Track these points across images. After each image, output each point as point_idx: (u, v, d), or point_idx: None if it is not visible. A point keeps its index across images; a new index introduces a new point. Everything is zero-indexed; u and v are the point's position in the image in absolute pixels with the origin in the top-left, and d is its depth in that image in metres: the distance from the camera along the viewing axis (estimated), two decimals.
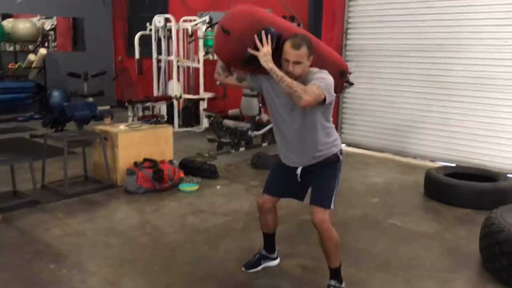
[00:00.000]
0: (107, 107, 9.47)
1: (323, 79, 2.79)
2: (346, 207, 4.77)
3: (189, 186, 5.36)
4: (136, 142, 5.47)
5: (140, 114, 8.20)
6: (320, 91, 2.72)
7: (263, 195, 3.31)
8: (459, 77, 6.35)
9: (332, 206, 3.03)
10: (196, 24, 8.67)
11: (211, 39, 9.03)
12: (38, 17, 12.04)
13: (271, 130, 7.04)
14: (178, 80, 8.84)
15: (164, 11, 9.62)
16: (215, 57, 9.13)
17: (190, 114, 8.94)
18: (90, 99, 8.39)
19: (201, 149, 7.07)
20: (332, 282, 3.14)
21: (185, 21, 8.90)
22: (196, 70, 8.99)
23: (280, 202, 3.35)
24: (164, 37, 8.73)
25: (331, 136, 3.04)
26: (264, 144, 7.47)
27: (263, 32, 2.76)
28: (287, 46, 2.78)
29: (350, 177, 5.89)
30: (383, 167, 6.49)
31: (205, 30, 8.73)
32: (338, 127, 7.51)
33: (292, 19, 7.58)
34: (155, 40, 8.89)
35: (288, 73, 2.75)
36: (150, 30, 8.95)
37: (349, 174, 5.95)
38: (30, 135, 7.96)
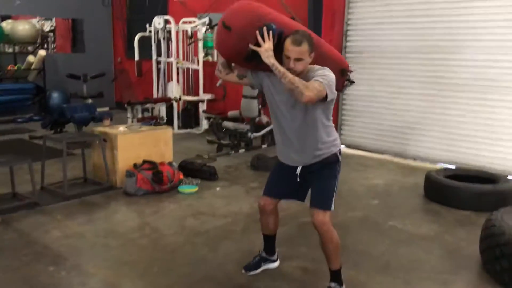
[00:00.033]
0: (107, 108, 9.46)
1: (325, 76, 2.78)
2: (346, 209, 4.76)
3: (188, 188, 5.35)
4: (135, 144, 5.46)
5: (140, 115, 8.19)
6: (322, 87, 2.72)
7: (263, 197, 3.30)
8: (459, 79, 6.35)
9: (332, 208, 3.03)
10: (195, 26, 8.67)
11: (210, 40, 9.03)
12: (38, 19, 12.03)
13: (271, 131, 7.03)
14: (178, 81, 8.83)
15: (164, 12, 9.61)
16: (215, 58, 9.23)
17: (189, 115, 8.93)
18: (90, 101, 8.39)
19: (201, 151, 7.05)
20: (333, 285, 3.13)
21: (184, 22, 8.89)
22: (196, 71, 8.98)
23: (280, 204, 3.34)
24: (164, 38, 8.72)
25: (331, 135, 3.03)
26: (264, 146, 7.46)
27: (264, 28, 2.76)
28: (288, 42, 2.77)
29: (350, 178, 5.89)
30: (383, 169, 6.48)
31: (205, 31, 8.72)
32: (338, 128, 7.50)
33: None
34: (154, 41, 8.87)
35: (289, 70, 2.74)
36: (150, 31, 8.93)
37: (349, 176, 5.94)
38: (29, 137, 7.95)
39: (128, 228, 4.30)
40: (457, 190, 4.84)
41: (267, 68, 2.81)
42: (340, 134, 7.54)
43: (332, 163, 3.05)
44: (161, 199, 5.05)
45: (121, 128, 5.63)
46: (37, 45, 11.31)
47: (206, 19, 8.51)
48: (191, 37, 8.79)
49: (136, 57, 9.13)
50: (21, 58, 10.38)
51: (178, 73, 8.85)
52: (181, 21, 8.85)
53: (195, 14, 9.25)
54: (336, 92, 2.88)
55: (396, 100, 7.00)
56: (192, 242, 4.02)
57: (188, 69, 9.07)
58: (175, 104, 8.55)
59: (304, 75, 2.81)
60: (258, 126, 7.42)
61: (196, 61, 8.91)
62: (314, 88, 2.69)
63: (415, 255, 3.81)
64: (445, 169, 5.49)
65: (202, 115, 8.72)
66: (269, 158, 6.12)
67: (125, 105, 8.14)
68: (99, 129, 5.64)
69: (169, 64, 8.90)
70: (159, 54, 8.94)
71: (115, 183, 5.35)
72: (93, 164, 5.62)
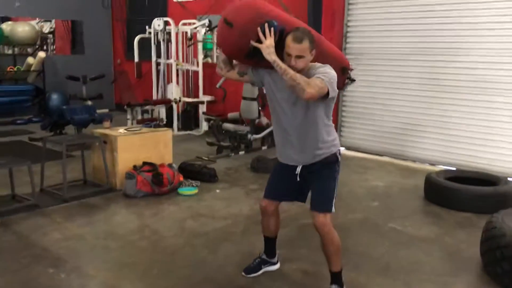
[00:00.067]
0: (106, 110, 9.45)
1: (327, 74, 2.78)
2: (346, 211, 4.75)
3: (188, 190, 5.34)
4: (135, 146, 5.45)
5: (139, 117, 8.19)
6: (323, 84, 2.72)
7: (264, 199, 3.29)
8: (459, 81, 6.35)
9: (333, 209, 3.03)
10: (195, 28, 8.67)
11: (210, 42, 9.04)
12: (37, 20, 12.03)
13: (270, 133, 7.02)
14: (178, 83, 8.83)
15: (164, 14, 9.61)
16: (214, 60, 9.23)
17: (189, 117, 8.92)
18: (89, 102, 8.38)
19: (201, 153, 7.05)
20: (333, 287, 3.13)
21: (184, 24, 8.89)
22: (196, 73, 8.98)
23: (280, 205, 3.34)
24: (163, 40, 8.72)
25: (331, 135, 3.03)
26: (264, 148, 7.45)
27: (266, 25, 2.76)
28: (289, 40, 2.77)
29: (350, 180, 5.88)
30: (383, 171, 6.48)
31: (204, 33, 8.73)
32: (337, 130, 7.49)
33: None
34: (154, 43, 8.87)
35: (290, 68, 2.74)
36: (150, 33, 8.93)
37: (349, 178, 5.94)
38: (28, 138, 7.94)
39: (127, 230, 4.30)
40: (457, 192, 4.83)
41: (268, 65, 2.80)
42: (340, 136, 7.53)
43: (331, 164, 3.05)
44: (160, 201, 5.04)
45: (121, 130, 5.63)
46: (37, 46, 11.31)
47: (206, 21, 8.52)
48: (191, 39, 8.79)
49: (136, 59, 9.13)
50: (20, 60, 10.38)
51: (177, 75, 8.85)
52: (180, 22, 8.86)
53: (195, 16, 9.25)
54: (337, 90, 2.88)
55: (396, 101, 7.00)
56: (192, 244, 4.01)
57: (187, 70, 9.07)
58: (174, 106, 8.55)
59: (305, 73, 2.80)
60: (258, 128, 7.41)
61: (195, 62, 8.90)
62: (316, 85, 2.69)
63: (415, 257, 3.81)
64: (445, 171, 5.47)
65: (202, 117, 8.71)
66: (269, 160, 6.11)
67: (125, 106, 8.13)
68: (99, 131, 5.64)
69: (168, 66, 8.90)
70: (158, 55, 8.94)
71: (115, 185, 5.34)
72: (93, 166, 5.61)
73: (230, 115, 7.92)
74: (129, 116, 8.07)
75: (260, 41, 2.76)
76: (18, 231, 4.20)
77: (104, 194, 5.20)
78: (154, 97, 9.05)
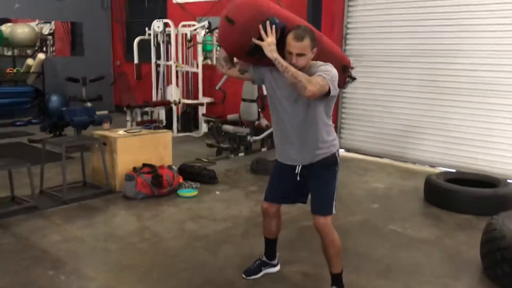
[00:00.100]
0: (106, 112, 9.45)
1: (328, 72, 2.78)
2: (346, 213, 4.75)
3: (188, 192, 5.33)
4: (135, 147, 5.44)
5: (139, 119, 8.18)
6: (324, 82, 2.72)
7: (265, 202, 3.29)
8: (459, 83, 6.35)
9: (333, 211, 3.03)
10: (195, 29, 8.67)
11: (210, 44, 9.04)
12: (37, 22, 12.03)
13: (270, 135, 7.02)
14: (177, 85, 8.83)
15: (163, 16, 9.62)
16: (214, 62, 9.23)
17: (189, 119, 8.92)
18: (89, 104, 8.37)
19: (200, 154, 7.04)
20: None
21: (184, 26, 8.89)
22: (195, 75, 8.98)
23: (281, 207, 3.33)
24: (163, 42, 8.72)
25: (330, 135, 3.03)
26: (264, 149, 7.45)
27: (267, 22, 2.75)
28: (290, 38, 2.77)
29: (350, 182, 5.88)
30: (382, 173, 6.47)
31: (204, 35, 8.73)
32: (337, 132, 7.48)
33: None
34: (154, 45, 8.87)
35: (291, 66, 2.74)
36: (149, 35, 8.94)
37: (348, 180, 5.94)
38: (28, 140, 7.93)
39: (127, 232, 4.29)
40: (457, 194, 4.83)
41: (269, 63, 2.80)
42: (340, 138, 7.53)
43: (331, 165, 3.04)
44: (160, 203, 5.03)
45: (121, 131, 5.62)
46: (36, 48, 11.31)
47: (206, 23, 8.51)
48: (190, 41, 8.79)
49: (136, 61, 9.13)
50: (20, 61, 10.37)
51: (177, 77, 8.86)
52: (180, 24, 8.86)
53: (195, 17, 9.25)
54: (338, 89, 2.89)
55: (396, 103, 7.00)
56: (192, 246, 4.01)
57: (187, 72, 9.07)
58: (174, 108, 8.55)
59: (307, 71, 2.80)
60: (257, 130, 7.42)
61: (195, 64, 8.90)
62: (317, 82, 2.69)
63: (416, 259, 3.80)
64: (445, 173, 5.47)
65: (201, 119, 8.71)
66: (268, 162, 6.11)
67: (124, 108, 8.13)
68: (99, 132, 5.63)
69: (168, 68, 8.90)
70: (158, 57, 8.94)
71: (115, 187, 5.33)
72: (92, 168, 5.61)
73: (230, 116, 7.93)
74: (128, 118, 8.06)
75: (261, 39, 2.76)
76: (17, 233, 4.19)
77: (104, 196, 5.19)
78: (154, 98, 9.04)
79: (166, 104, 8.56)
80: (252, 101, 7.08)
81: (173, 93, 8.61)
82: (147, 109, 8.44)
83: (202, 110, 8.76)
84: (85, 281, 3.40)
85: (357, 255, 3.81)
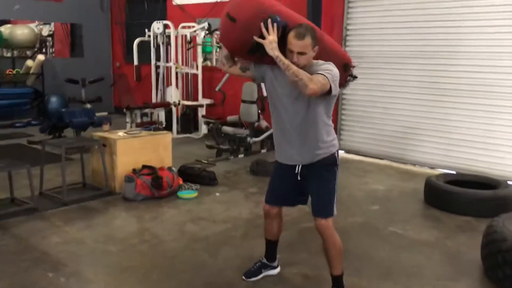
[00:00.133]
0: (105, 113, 9.45)
1: (330, 71, 2.78)
2: (346, 214, 4.73)
3: (188, 193, 5.33)
4: (135, 149, 5.44)
5: (139, 120, 8.18)
6: (325, 81, 2.72)
7: (266, 204, 3.29)
8: (459, 84, 6.34)
9: (335, 212, 3.03)
10: (194, 31, 8.67)
11: (209, 45, 9.04)
12: (36, 23, 12.03)
13: (270, 136, 7.02)
14: (177, 86, 8.83)
15: (163, 17, 9.61)
16: (214, 63, 9.22)
17: (188, 120, 8.92)
18: (88, 105, 8.37)
19: (200, 156, 7.04)
20: None
21: (184, 27, 8.89)
22: (195, 76, 8.98)
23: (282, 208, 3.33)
24: (163, 43, 8.72)
25: (330, 135, 3.03)
26: (263, 151, 7.44)
27: (269, 20, 2.75)
28: (291, 36, 2.77)
29: (350, 184, 5.87)
30: (382, 174, 6.47)
31: (204, 36, 8.73)
32: (337, 133, 7.45)
33: None
34: (153, 46, 8.87)
35: (292, 64, 2.74)
36: (149, 36, 8.93)
37: (348, 181, 5.93)
38: (27, 141, 7.93)
39: (127, 233, 4.28)
40: (457, 195, 4.82)
41: (271, 61, 2.80)
42: (340, 139, 7.53)
43: (330, 166, 3.04)
44: (160, 205, 5.03)
45: (121, 133, 5.62)
46: (36, 49, 11.30)
47: (205, 24, 8.51)
48: (190, 42, 8.79)
49: (135, 62, 9.13)
50: (19, 63, 10.37)
51: (177, 78, 8.85)
52: (180, 26, 8.85)
53: (194, 19, 9.25)
54: (339, 88, 2.88)
55: (395, 105, 7.00)
56: (191, 248, 4.00)
57: (187, 74, 9.07)
58: (174, 109, 8.54)
59: (308, 69, 2.80)
60: (257, 131, 7.41)
61: (195, 66, 8.90)
62: (318, 81, 2.69)
63: (416, 261, 3.80)
64: (445, 175, 5.47)
65: (201, 120, 8.70)
66: (268, 163, 6.10)
67: (124, 110, 8.12)
68: (98, 134, 5.62)
69: (168, 69, 8.90)
70: (158, 59, 8.94)
71: (114, 189, 5.32)
72: (92, 169, 5.60)
73: (230, 118, 7.92)
74: (128, 119, 8.06)
75: (263, 37, 2.76)
76: (17, 234, 4.18)
77: (104, 198, 5.18)
78: (154, 100, 9.04)
79: (165, 106, 8.56)
80: (252, 102, 7.07)
81: (173, 94, 8.60)
82: (146, 110, 8.44)
83: (201, 111, 8.76)
84: (85, 283, 3.39)
85: (357, 257, 3.80)
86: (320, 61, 2.89)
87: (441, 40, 6.44)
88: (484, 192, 4.82)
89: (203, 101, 8.79)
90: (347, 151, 7.55)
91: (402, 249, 4.04)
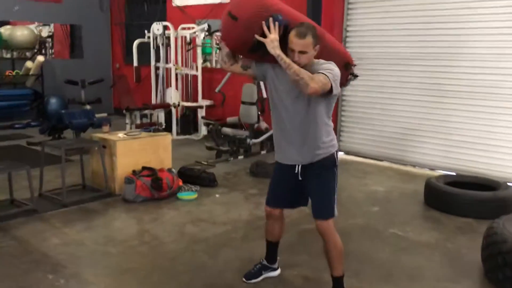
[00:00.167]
0: (105, 114, 9.44)
1: (331, 70, 2.79)
2: (347, 216, 4.73)
3: (187, 195, 5.32)
4: (134, 150, 5.43)
5: (138, 121, 8.17)
6: (326, 80, 2.72)
7: (267, 206, 3.29)
8: (459, 86, 6.34)
9: (335, 213, 3.03)
10: (194, 32, 8.67)
11: (209, 47, 9.03)
12: (36, 24, 12.02)
13: (270, 138, 7.01)
14: (176, 87, 8.82)
15: (163, 18, 9.61)
16: (213, 65, 9.22)
17: (188, 121, 8.91)
18: (88, 107, 8.37)
19: (200, 157, 7.03)
20: None
21: (183, 28, 8.89)
22: (195, 77, 8.98)
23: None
24: (163, 44, 8.71)
25: (330, 135, 3.03)
26: (263, 152, 7.44)
27: (270, 19, 2.76)
28: (292, 35, 2.77)
29: (350, 185, 5.87)
30: (382, 176, 6.47)
31: (204, 38, 8.73)
32: (337, 134, 7.46)
33: None
34: (153, 47, 8.87)
35: (293, 63, 2.74)
36: (149, 37, 8.93)
37: (348, 183, 5.93)
38: (27, 143, 7.92)
39: (127, 235, 4.28)
40: (457, 197, 4.82)
41: (272, 60, 2.80)
42: (340, 141, 7.53)
43: (330, 167, 3.04)
44: (160, 206, 5.02)
45: (120, 134, 5.61)
46: (35, 50, 11.29)
47: (205, 25, 8.51)
48: (190, 43, 8.78)
49: (135, 63, 9.12)
50: (19, 64, 10.35)
51: (176, 79, 8.84)
52: (179, 27, 8.85)
53: (194, 20, 9.25)
54: (340, 88, 2.89)
55: (395, 106, 7.00)
56: (191, 249, 4.00)
57: (186, 75, 9.07)
58: (173, 110, 8.54)
59: (309, 68, 2.80)
60: (257, 132, 7.41)
61: (194, 67, 8.90)
62: (319, 80, 2.70)
63: (417, 263, 3.79)
64: (445, 176, 5.47)
65: (201, 121, 8.69)
66: (268, 165, 6.09)
67: (124, 111, 8.11)
68: (98, 135, 5.62)
69: (167, 70, 8.89)
70: (157, 60, 8.93)
71: (114, 190, 5.32)
72: (92, 171, 5.59)
73: (229, 119, 7.92)
74: (127, 121, 8.05)
75: (264, 35, 2.76)
76: (17, 236, 4.18)
77: (103, 199, 5.18)
78: (153, 101, 9.03)
79: (165, 107, 8.55)
80: (251, 103, 7.07)
81: (173, 95, 8.60)
82: (146, 111, 8.43)
83: (201, 112, 8.75)
84: (85, 285, 3.38)
85: (357, 259, 3.79)
86: (321, 60, 2.89)
87: (441, 42, 6.44)
88: (484, 193, 4.82)
89: (203, 102, 8.79)
90: (347, 153, 7.55)
91: (402, 251, 4.03)
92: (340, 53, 3.22)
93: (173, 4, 9.88)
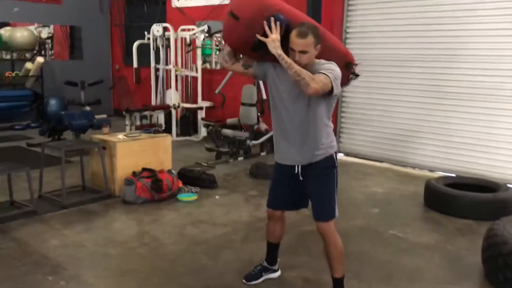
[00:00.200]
0: (104, 116, 9.43)
1: (332, 71, 2.79)
2: (347, 217, 4.72)
3: (187, 196, 5.32)
4: (134, 152, 5.43)
5: (138, 123, 8.17)
6: (327, 80, 2.73)
7: (268, 209, 3.29)
8: (458, 87, 6.35)
9: (336, 214, 3.03)
10: (194, 33, 8.67)
11: (209, 48, 9.03)
12: (35, 26, 12.02)
13: (269, 139, 7.01)
14: (176, 89, 8.82)
15: (162, 20, 9.61)
16: (213, 66, 9.22)
17: (188, 123, 8.91)
18: (87, 108, 8.36)
19: (200, 159, 7.03)
20: None
21: (183, 30, 8.89)
22: (194, 79, 8.98)
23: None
24: (162, 46, 8.72)
25: (329, 136, 3.03)
26: (263, 154, 7.43)
27: (272, 19, 2.76)
28: (293, 35, 2.78)
29: (350, 187, 5.87)
30: (382, 177, 6.47)
31: (203, 39, 8.73)
32: (336, 136, 7.48)
33: None
34: (153, 49, 8.86)
35: (295, 62, 2.74)
36: (148, 39, 8.94)
37: (348, 184, 5.93)
38: (27, 144, 7.91)
39: (127, 236, 4.27)
40: (457, 198, 4.82)
41: (273, 59, 2.81)
42: (339, 142, 7.53)
43: (329, 167, 3.03)
44: (160, 207, 5.02)
45: (120, 135, 5.60)
46: (35, 52, 11.29)
47: (205, 27, 8.51)
48: (190, 45, 8.78)
49: (135, 64, 9.12)
50: (19, 65, 10.33)
51: (176, 81, 8.84)
52: (179, 28, 8.85)
53: (194, 21, 9.25)
54: (341, 88, 2.89)
55: (395, 108, 7.00)
56: (192, 251, 3.99)
57: (186, 76, 9.07)
58: (173, 112, 8.53)
59: (310, 68, 2.81)
60: (257, 134, 7.40)
61: (194, 68, 8.90)
62: (320, 80, 2.70)
63: (417, 265, 3.79)
64: (445, 178, 5.47)
65: (200, 123, 8.69)
66: (268, 166, 6.09)
67: (123, 112, 8.11)
68: (98, 136, 5.61)
69: (167, 72, 8.90)
70: (157, 61, 8.93)
71: (114, 191, 5.31)
72: (92, 172, 5.59)
73: (229, 120, 7.91)
74: (127, 122, 8.04)
75: (265, 35, 2.76)
76: (16, 237, 4.17)
77: (103, 201, 5.17)
78: (153, 102, 9.03)
79: (165, 108, 8.55)
80: (251, 105, 7.07)
81: (172, 97, 8.60)
82: (146, 113, 8.43)
83: (201, 114, 8.75)
84: (85, 286, 3.38)
85: (358, 260, 3.79)
86: (322, 61, 2.89)
87: (441, 43, 6.44)
88: (484, 195, 4.82)
89: (203, 103, 8.79)
90: (347, 154, 7.55)
91: (403, 252, 4.03)
92: (341, 53, 3.22)
93: (173, 6, 9.89)
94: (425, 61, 6.61)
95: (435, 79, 6.55)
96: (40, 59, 9.88)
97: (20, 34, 10.55)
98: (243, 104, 7.17)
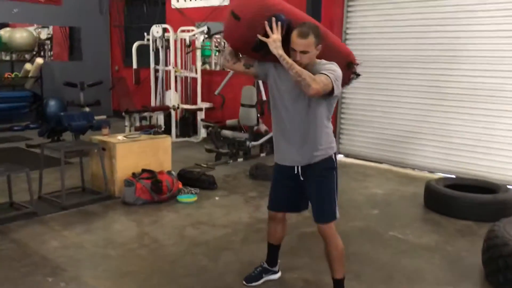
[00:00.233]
0: (104, 116, 9.42)
1: (333, 71, 2.79)
2: (347, 219, 4.71)
3: (187, 197, 5.31)
4: (134, 153, 5.42)
5: (137, 124, 8.17)
6: (328, 81, 2.73)
7: (269, 211, 3.28)
8: (459, 88, 6.35)
9: (337, 215, 3.03)
10: (194, 34, 8.67)
11: (208, 49, 9.03)
12: (35, 26, 12.02)
13: (269, 140, 7.01)
14: (176, 90, 8.82)
15: (162, 21, 9.61)
16: (213, 67, 9.22)
17: (187, 124, 8.91)
18: (87, 109, 8.36)
19: (199, 160, 7.03)
20: None
21: (183, 31, 8.89)
22: (194, 80, 8.97)
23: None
24: (162, 47, 8.72)
25: (329, 137, 3.03)
26: (263, 155, 7.43)
27: (273, 19, 2.76)
28: (294, 35, 2.78)
29: (349, 188, 5.87)
30: (382, 178, 6.46)
31: (203, 40, 8.73)
32: (336, 137, 7.48)
33: None
34: (153, 50, 8.87)
35: (295, 63, 2.74)
36: (148, 40, 8.94)
37: (348, 185, 5.93)
38: (26, 145, 7.90)
39: (127, 238, 4.26)
40: (457, 199, 4.82)
41: (274, 59, 2.81)
42: (339, 143, 7.53)
43: (329, 168, 3.03)
44: (160, 209, 5.01)
45: (120, 136, 5.60)
46: (34, 53, 11.29)
47: (204, 28, 8.52)
48: (189, 46, 8.78)
49: (134, 65, 9.12)
50: (18, 66, 10.35)
51: (176, 82, 8.84)
52: (179, 29, 8.86)
53: (193, 22, 9.25)
54: (341, 89, 2.88)
55: (395, 109, 7.00)
56: (192, 252, 3.99)
57: (186, 77, 9.06)
58: (173, 113, 8.53)
59: (311, 68, 2.81)
60: (256, 135, 7.40)
61: (194, 69, 8.89)
62: (321, 81, 2.70)
63: (417, 266, 3.79)
64: (445, 179, 5.47)
65: (200, 124, 8.69)
66: (268, 167, 6.09)
67: (123, 113, 8.10)
68: (97, 137, 5.60)
69: (167, 73, 8.90)
70: (157, 62, 8.94)
71: (114, 193, 5.30)
72: (91, 173, 5.58)
73: (229, 122, 7.91)
74: (127, 123, 8.04)
75: (267, 35, 2.76)
76: (16, 239, 4.16)
77: (103, 202, 5.17)
78: (153, 103, 9.03)
79: (164, 109, 8.55)
80: (251, 106, 7.07)
81: (172, 98, 8.60)
82: (145, 114, 8.43)
83: (201, 115, 8.75)
84: (85, 287, 3.37)
85: (358, 262, 3.79)
86: (324, 61, 2.89)
87: (441, 45, 6.44)
88: (484, 196, 4.81)
89: (202, 104, 8.78)
90: (347, 155, 7.55)
91: (403, 254, 4.03)
92: (343, 52, 3.21)
93: (173, 7, 9.88)
94: (425, 62, 6.61)
95: (435, 80, 6.55)
96: (39, 60, 9.88)
97: (20, 35, 10.56)
98: (242, 105, 7.18)
